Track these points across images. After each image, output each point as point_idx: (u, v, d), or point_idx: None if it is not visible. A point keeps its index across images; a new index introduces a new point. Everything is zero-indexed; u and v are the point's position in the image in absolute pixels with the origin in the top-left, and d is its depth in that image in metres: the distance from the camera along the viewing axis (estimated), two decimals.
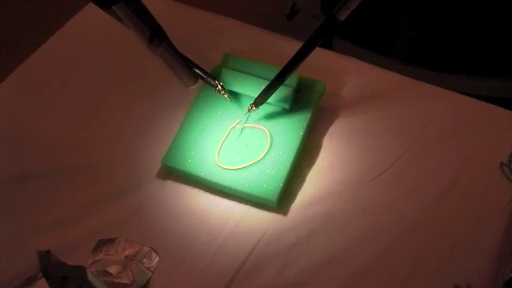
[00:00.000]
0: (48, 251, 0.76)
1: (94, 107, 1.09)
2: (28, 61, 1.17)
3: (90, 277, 0.75)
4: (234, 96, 1.00)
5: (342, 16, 0.82)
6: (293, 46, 1.06)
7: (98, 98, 1.10)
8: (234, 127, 0.98)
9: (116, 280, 0.84)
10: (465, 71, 1.58)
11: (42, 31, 1.23)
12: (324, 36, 0.87)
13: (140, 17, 0.75)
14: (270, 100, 0.97)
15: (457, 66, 1.57)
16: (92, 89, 1.12)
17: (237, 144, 0.96)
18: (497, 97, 1.43)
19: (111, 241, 0.90)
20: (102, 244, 0.90)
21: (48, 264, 0.77)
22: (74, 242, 0.90)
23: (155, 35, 0.76)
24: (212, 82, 0.96)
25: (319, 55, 0.92)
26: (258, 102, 0.96)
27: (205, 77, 0.96)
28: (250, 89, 0.99)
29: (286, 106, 0.97)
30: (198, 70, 0.95)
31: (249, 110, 0.96)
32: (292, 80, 0.96)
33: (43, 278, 0.84)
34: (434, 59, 1.58)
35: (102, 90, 1.12)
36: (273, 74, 0.96)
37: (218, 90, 0.97)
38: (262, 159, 0.93)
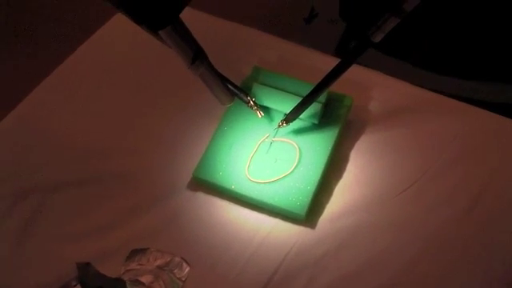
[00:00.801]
0: (88, 263, 0.78)
1: (127, 117, 1.11)
2: (60, 67, 1.19)
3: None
4: (264, 110, 1.01)
5: (377, 38, 0.83)
6: (321, 59, 1.09)
7: (130, 108, 1.12)
8: (263, 141, 0.99)
9: None
10: (490, 79, 1.58)
11: (76, 38, 1.24)
12: (358, 57, 0.88)
13: (184, 39, 0.76)
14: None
15: (480, 73, 1.58)
16: (124, 99, 1.14)
17: (266, 158, 0.98)
18: None
19: (143, 251, 0.91)
20: (134, 254, 0.91)
21: (86, 275, 0.79)
22: (106, 252, 0.92)
23: (197, 56, 0.78)
24: (244, 97, 0.98)
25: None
26: (289, 119, 0.97)
27: (238, 92, 0.98)
28: (280, 104, 1.01)
29: (315, 121, 0.99)
30: (230, 86, 0.97)
31: (279, 125, 0.98)
32: (321, 95, 0.97)
33: (77, 286, 0.87)
34: (457, 65, 1.59)
35: (135, 99, 1.13)
36: (302, 89, 0.98)
37: (251, 106, 0.98)
38: (290, 173, 0.95)
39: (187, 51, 0.77)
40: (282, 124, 0.98)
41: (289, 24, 2.04)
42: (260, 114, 0.99)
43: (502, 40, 1.49)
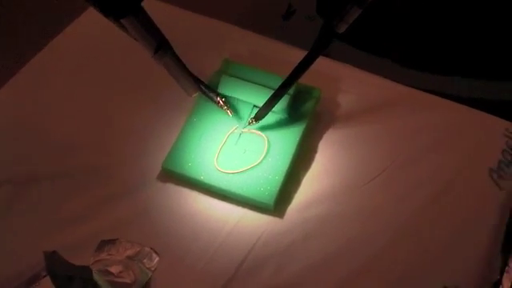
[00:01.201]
0: (54, 251, 0.78)
1: (97, 111, 1.11)
2: (33, 61, 1.19)
3: (95, 276, 0.78)
4: (233, 102, 1.03)
5: (341, 29, 0.84)
6: (291, 53, 1.10)
7: (100, 102, 1.12)
8: (232, 132, 1.00)
9: (117, 279, 0.86)
10: (461, 74, 1.60)
11: (47, 31, 1.24)
12: (323, 49, 0.90)
13: (146, 29, 0.77)
14: None
15: (454, 69, 1.60)
16: (95, 92, 1.14)
17: (235, 149, 0.99)
18: (493, 99, 1.46)
19: (113, 241, 0.92)
20: (104, 244, 0.92)
21: (54, 264, 0.80)
22: (76, 243, 0.92)
23: (160, 46, 0.79)
24: (214, 97, 1.00)
25: (315, 62, 0.94)
26: (259, 116, 0.98)
27: (207, 92, 0.99)
28: (249, 95, 1.02)
29: (284, 113, 1.00)
30: (201, 85, 0.99)
31: (249, 123, 0.99)
32: (289, 89, 0.98)
33: (47, 277, 0.87)
34: (432, 61, 1.60)
35: (104, 93, 1.14)
36: (272, 81, 0.99)
37: (220, 106, 1.00)
38: (259, 164, 0.96)
39: (150, 40, 0.78)
40: (252, 122, 0.99)
41: (266, 21, 2.04)
42: (230, 112, 1.00)
43: (481, 37, 1.51)
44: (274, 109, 0.99)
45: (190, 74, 0.92)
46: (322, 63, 0.93)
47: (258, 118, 0.99)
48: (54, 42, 1.22)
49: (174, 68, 0.85)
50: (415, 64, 1.60)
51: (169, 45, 0.81)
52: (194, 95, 0.95)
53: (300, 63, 0.93)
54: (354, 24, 0.85)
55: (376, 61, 1.65)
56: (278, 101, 0.97)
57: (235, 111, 1.02)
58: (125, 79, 1.16)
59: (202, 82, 1.00)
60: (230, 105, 1.02)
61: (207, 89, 1.00)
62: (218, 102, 1.00)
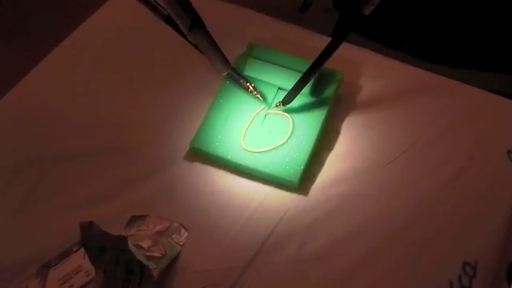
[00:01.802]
0: (91, 222, 0.81)
1: (124, 92, 1.14)
2: (60, 46, 1.22)
3: (131, 246, 0.80)
4: (259, 83, 1.05)
5: (367, 11, 0.87)
6: (312, 38, 1.12)
7: (127, 83, 1.15)
8: (258, 113, 1.03)
9: (148, 253, 0.89)
10: (473, 66, 1.62)
11: (75, 17, 1.27)
12: (349, 31, 0.92)
13: (182, 6, 0.80)
14: None
15: (465, 61, 1.61)
16: (122, 74, 1.17)
17: (261, 129, 1.02)
18: (505, 92, 1.48)
19: (143, 217, 0.95)
20: (134, 220, 0.95)
21: (89, 234, 0.83)
22: (107, 219, 0.93)
23: (194, 24, 0.82)
24: (244, 83, 1.02)
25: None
26: (287, 100, 1.01)
27: (238, 79, 1.03)
28: (274, 78, 1.05)
29: (308, 95, 1.03)
30: (233, 73, 1.01)
31: (276, 106, 1.02)
32: (315, 74, 1.00)
33: (78, 251, 0.90)
34: (444, 54, 1.62)
35: (132, 75, 1.17)
36: (296, 64, 1.02)
37: (251, 91, 1.03)
38: (284, 143, 0.99)
39: (185, 18, 0.81)
40: (280, 105, 1.02)
41: (283, 13, 2.06)
42: (260, 97, 1.03)
43: (489, 31, 1.53)
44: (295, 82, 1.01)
45: (222, 52, 0.95)
46: (344, 48, 0.95)
47: (285, 102, 1.01)
48: (80, 27, 1.25)
49: (207, 46, 0.88)
50: (428, 56, 1.62)
51: (202, 23, 0.84)
52: (224, 73, 0.97)
53: (325, 48, 0.95)
54: (369, 16, 0.88)
55: (389, 52, 1.67)
56: (305, 85, 0.99)
57: (261, 89, 1.05)
58: (150, 63, 1.19)
59: (233, 69, 1.02)
60: (256, 87, 1.04)
61: (237, 74, 1.03)
62: (248, 88, 1.02)
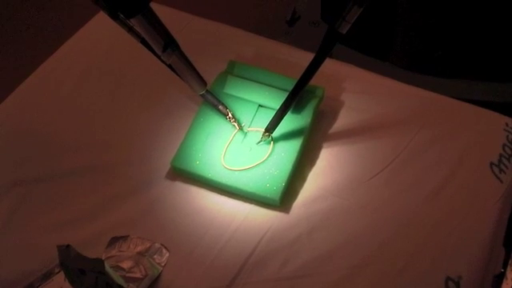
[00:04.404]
0: (68, 245, 0.80)
1: (105, 111, 1.14)
2: (43, 65, 1.22)
3: (108, 269, 0.80)
4: (239, 101, 1.05)
5: (344, 29, 0.87)
6: (295, 54, 1.12)
7: (109, 103, 1.15)
8: (238, 131, 1.03)
9: (128, 275, 0.88)
10: (460, 76, 1.62)
11: (57, 37, 1.28)
12: (328, 52, 0.92)
13: (155, 28, 0.80)
14: (273, 105, 1.02)
15: (453, 72, 1.62)
16: (103, 94, 1.17)
17: (241, 147, 1.01)
18: (492, 101, 1.48)
19: (124, 238, 0.94)
20: (115, 241, 0.94)
21: (67, 257, 0.82)
22: (87, 240, 0.94)
23: (168, 45, 0.82)
24: (223, 110, 1.02)
25: None
26: (271, 127, 1.00)
27: (217, 104, 1.02)
28: (255, 95, 1.05)
29: (288, 111, 1.02)
30: (210, 97, 1.01)
31: (263, 137, 1.01)
32: (296, 99, 1.00)
33: (60, 273, 0.89)
34: (430, 64, 1.63)
35: (113, 94, 1.17)
36: (276, 81, 1.02)
37: (229, 118, 1.02)
38: (265, 161, 0.99)
39: (158, 39, 0.81)
40: (266, 135, 1.00)
41: (271, 26, 2.07)
42: (238, 126, 1.03)
43: (478, 40, 1.53)
44: (278, 107, 1.01)
45: (197, 73, 0.95)
46: (325, 63, 0.95)
47: (269, 129, 1.00)
48: (63, 47, 1.26)
49: (181, 66, 0.88)
50: (415, 67, 1.62)
51: (176, 44, 0.84)
52: (201, 93, 0.97)
53: (306, 69, 0.96)
54: (355, 27, 0.88)
55: (376, 64, 1.67)
56: (288, 111, 0.99)
57: (241, 107, 1.05)
58: (131, 82, 1.19)
59: (211, 94, 1.02)
60: (234, 114, 1.04)
61: (216, 101, 1.03)
62: (227, 114, 1.02)
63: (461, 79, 1.62)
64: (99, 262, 0.80)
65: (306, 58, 0.96)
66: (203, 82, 0.96)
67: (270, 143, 1.00)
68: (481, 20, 1.47)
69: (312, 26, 1.91)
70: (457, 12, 1.47)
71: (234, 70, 1.09)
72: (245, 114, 1.05)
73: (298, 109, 1.03)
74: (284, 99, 0.99)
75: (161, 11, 0.84)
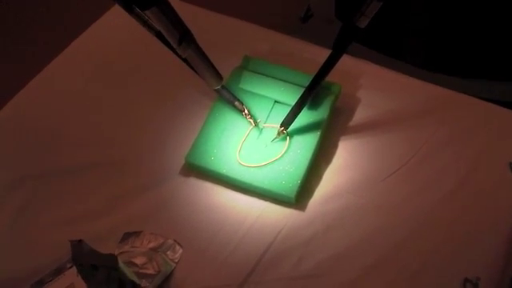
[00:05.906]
0: (80, 240, 0.80)
1: (119, 106, 1.13)
2: (55, 61, 1.22)
3: (121, 264, 0.79)
4: (254, 97, 1.04)
5: (362, 24, 0.85)
6: (310, 49, 1.11)
7: (123, 98, 1.15)
8: (254, 127, 1.02)
9: (141, 270, 0.88)
10: (477, 76, 1.60)
11: (69, 32, 1.27)
12: (347, 46, 0.91)
13: (170, 20, 0.79)
14: (289, 101, 1.01)
15: (469, 71, 1.60)
16: (117, 88, 1.16)
17: (257, 143, 1.00)
18: (509, 101, 1.47)
19: (137, 233, 0.94)
20: (128, 236, 0.94)
21: (80, 252, 0.81)
22: (100, 235, 0.94)
23: (184, 38, 0.81)
24: (240, 106, 1.01)
25: None
26: (287, 122, 0.99)
27: (233, 100, 1.01)
28: (271, 91, 1.04)
29: (305, 108, 1.01)
30: (226, 93, 1.01)
31: (278, 133, 0.99)
32: (314, 93, 0.99)
33: (72, 268, 0.89)
34: (447, 63, 1.61)
35: (126, 89, 1.16)
36: (292, 77, 1.01)
37: (245, 115, 1.01)
38: (280, 157, 0.97)
39: (173, 32, 0.80)
40: (282, 131, 0.99)
41: (285, 23, 2.06)
42: (253, 123, 1.02)
43: (491, 39, 1.52)
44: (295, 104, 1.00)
45: (213, 67, 0.94)
46: (341, 60, 0.94)
47: (285, 124, 0.99)
48: (75, 42, 1.25)
49: (197, 60, 0.87)
50: (431, 66, 1.61)
51: (192, 37, 0.83)
52: (215, 88, 0.96)
53: (323, 65, 0.94)
54: (371, 25, 0.87)
55: (391, 62, 1.66)
56: (304, 107, 0.98)
57: (256, 103, 1.04)
58: (145, 76, 1.18)
59: (227, 90, 1.01)
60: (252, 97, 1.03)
61: (233, 97, 1.02)
62: (243, 110, 1.01)
63: (477, 79, 1.60)
64: (112, 258, 0.79)
65: (322, 53, 0.95)
66: (219, 77, 0.95)
67: (285, 140, 0.99)
68: (497, 19, 1.46)
69: (325, 23, 1.89)
70: (472, 11, 1.46)
71: (250, 65, 1.07)
72: (260, 109, 1.03)
73: (315, 106, 1.02)
74: (300, 95, 0.98)
75: (175, 5, 0.83)
